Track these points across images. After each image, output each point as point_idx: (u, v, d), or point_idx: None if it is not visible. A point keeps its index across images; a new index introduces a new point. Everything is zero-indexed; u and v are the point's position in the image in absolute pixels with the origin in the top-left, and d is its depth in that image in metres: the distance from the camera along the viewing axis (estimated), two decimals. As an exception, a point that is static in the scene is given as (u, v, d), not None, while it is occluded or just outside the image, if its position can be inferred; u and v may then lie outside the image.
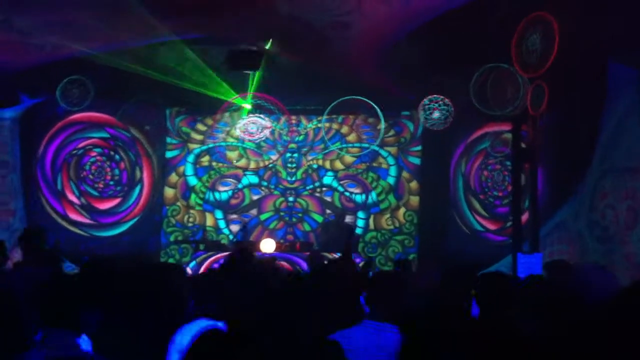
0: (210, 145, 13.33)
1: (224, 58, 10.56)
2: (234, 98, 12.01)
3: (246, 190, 13.31)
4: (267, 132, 12.43)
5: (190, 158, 13.33)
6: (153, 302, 3.36)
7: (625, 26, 7.48)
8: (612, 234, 8.82)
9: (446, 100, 10.85)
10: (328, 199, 13.20)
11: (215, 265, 10.62)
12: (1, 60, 9.44)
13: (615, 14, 7.40)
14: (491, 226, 11.96)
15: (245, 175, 13.34)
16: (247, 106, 12.37)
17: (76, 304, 2.81)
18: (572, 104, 9.15)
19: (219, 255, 10.89)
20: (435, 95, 10.88)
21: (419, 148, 13.07)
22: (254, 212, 13.28)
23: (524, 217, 10.04)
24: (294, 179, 13.30)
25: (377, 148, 13.07)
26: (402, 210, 13.02)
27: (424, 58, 10.25)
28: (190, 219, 13.21)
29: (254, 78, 11.56)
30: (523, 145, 9.89)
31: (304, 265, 10.18)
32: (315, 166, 13.31)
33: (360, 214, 13.10)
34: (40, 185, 12.64)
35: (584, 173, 9.31)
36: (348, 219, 12.73)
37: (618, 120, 8.79)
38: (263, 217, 13.26)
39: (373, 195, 13.11)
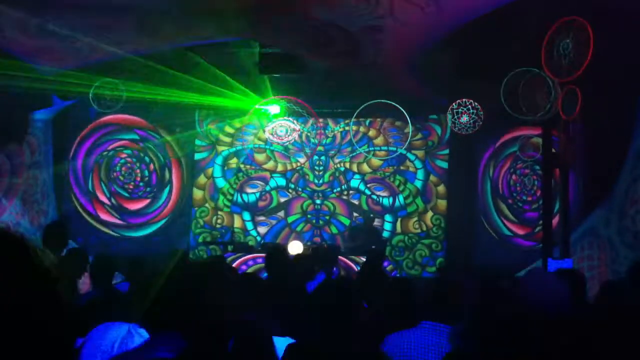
0: (239, 148, 13.42)
1: (257, 61, 10.61)
2: (263, 100, 12.08)
3: (274, 193, 13.38)
4: (295, 135, 12.48)
5: (219, 160, 13.43)
6: None
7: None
8: (643, 241, 8.77)
9: (475, 104, 10.80)
10: (355, 202, 13.23)
11: (244, 267, 10.69)
12: (37, 63, 9.57)
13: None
14: (520, 231, 11.90)
15: (272, 177, 13.42)
16: (276, 109, 12.42)
17: None
18: (604, 109, 9.09)
19: (247, 257, 10.96)
20: (464, 100, 10.85)
21: (446, 152, 13.05)
22: (281, 214, 13.35)
23: (554, 222, 10.00)
24: (321, 181, 13.34)
25: (404, 151, 13.07)
26: (429, 214, 13.01)
27: (454, 62, 10.26)
28: (219, 221, 13.31)
29: (283, 81, 11.62)
30: (553, 150, 9.84)
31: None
32: (342, 169, 13.34)
33: (388, 217, 13.11)
34: (72, 186, 12.84)
35: (616, 179, 9.25)
36: (376, 222, 12.73)
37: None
38: (290, 219, 13.32)
39: (400, 199, 13.12)
